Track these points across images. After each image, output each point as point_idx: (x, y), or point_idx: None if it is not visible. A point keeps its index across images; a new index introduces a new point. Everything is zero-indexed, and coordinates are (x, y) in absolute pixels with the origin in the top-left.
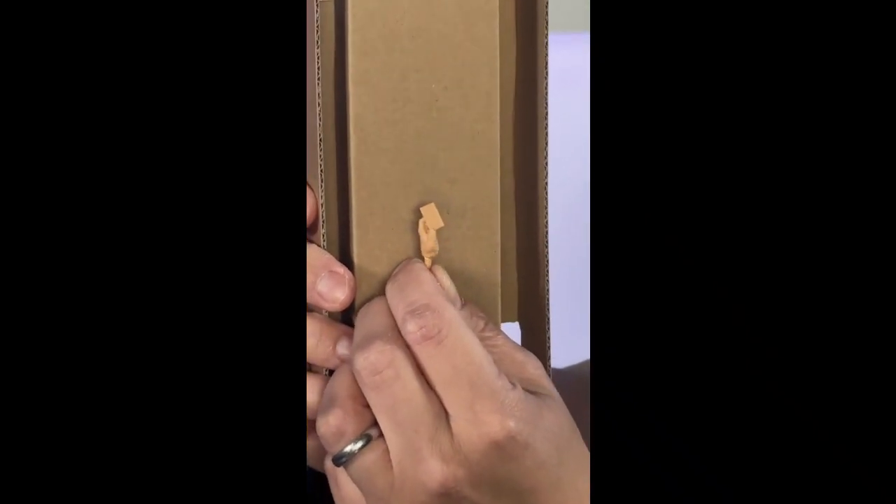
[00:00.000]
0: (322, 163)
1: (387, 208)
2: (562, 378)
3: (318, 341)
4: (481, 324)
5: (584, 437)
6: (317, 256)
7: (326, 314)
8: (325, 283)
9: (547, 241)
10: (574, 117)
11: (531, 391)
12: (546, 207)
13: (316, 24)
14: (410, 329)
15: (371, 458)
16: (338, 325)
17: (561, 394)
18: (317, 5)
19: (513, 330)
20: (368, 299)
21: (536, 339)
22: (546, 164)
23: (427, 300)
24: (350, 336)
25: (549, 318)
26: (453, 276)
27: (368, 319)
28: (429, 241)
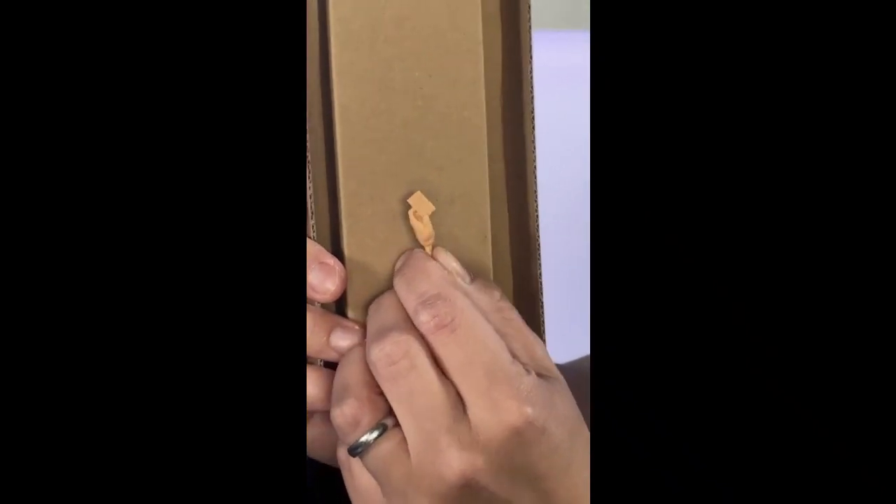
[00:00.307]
0: (310, 154)
1: (375, 198)
2: (563, 373)
3: (312, 332)
4: (496, 294)
5: None
6: (307, 248)
7: (319, 305)
8: (316, 275)
9: (538, 227)
10: (571, 114)
11: (541, 375)
12: (536, 193)
13: None
14: (423, 319)
15: (387, 447)
16: (331, 316)
17: None
18: None
19: None
20: (359, 289)
21: (532, 325)
22: (534, 150)
23: (437, 290)
24: (343, 326)
25: (542, 303)
26: None
27: (380, 314)
28: (424, 229)
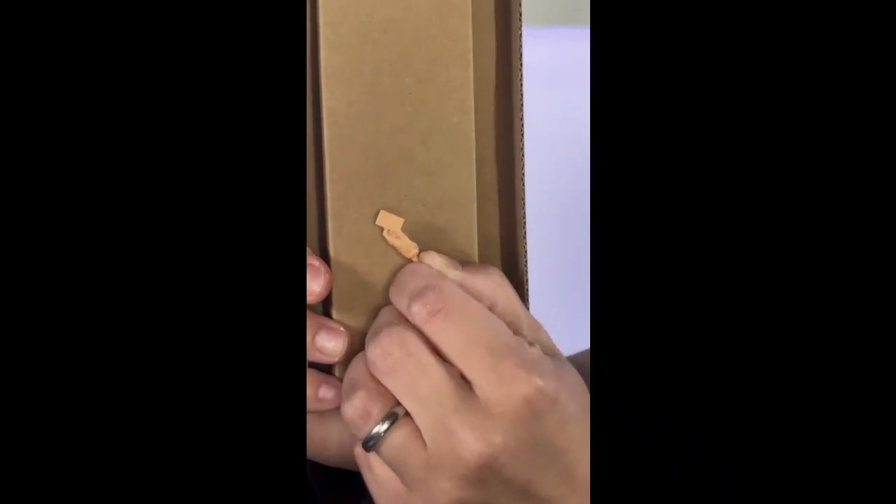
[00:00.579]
0: None
1: (363, 201)
2: None
3: None
4: (494, 275)
5: None
6: None
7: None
8: None
9: (525, 233)
10: (566, 111)
11: (546, 354)
12: (524, 199)
13: None
14: (415, 311)
15: (400, 435)
16: (316, 317)
17: None
18: None
19: None
20: (344, 291)
21: None
22: (523, 156)
23: (425, 282)
24: (328, 328)
25: (529, 306)
26: None
27: (377, 320)
28: (403, 245)
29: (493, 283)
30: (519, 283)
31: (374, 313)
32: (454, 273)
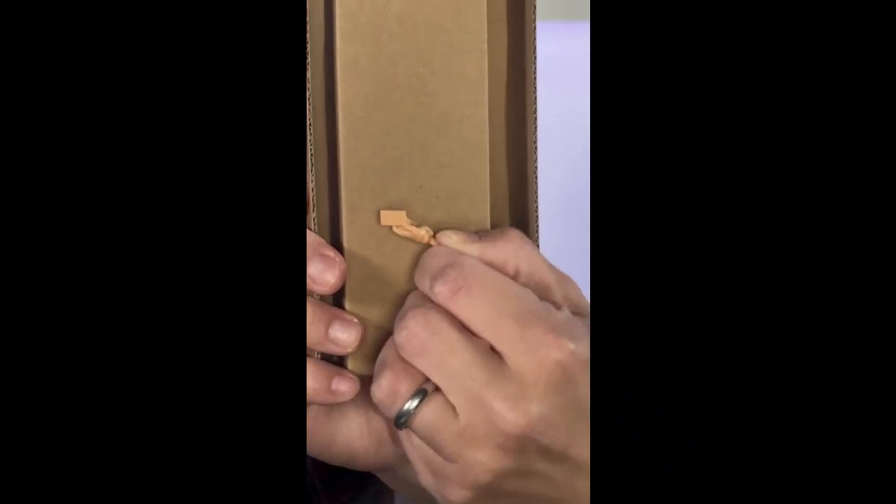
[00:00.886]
0: (312, 148)
1: (376, 192)
2: None
3: (311, 324)
4: (515, 238)
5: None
6: (308, 240)
7: (318, 297)
8: (316, 267)
9: (538, 227)
10: (569, 106)
11: (576, 314)
12: (536, 193)
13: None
14: (438, 290)
15: (431, 410)
16: (330, 309)
17: None
18: None
19: None
20: (359, 282)
21: None
22: (535, 150)
23: (445, 261)
24: (342, 319)
25: None
26: None
27: (404, 305)
28: (416, 233)
29: (514, 247)
30: None
31: (388, 305)
32: (472, 247)
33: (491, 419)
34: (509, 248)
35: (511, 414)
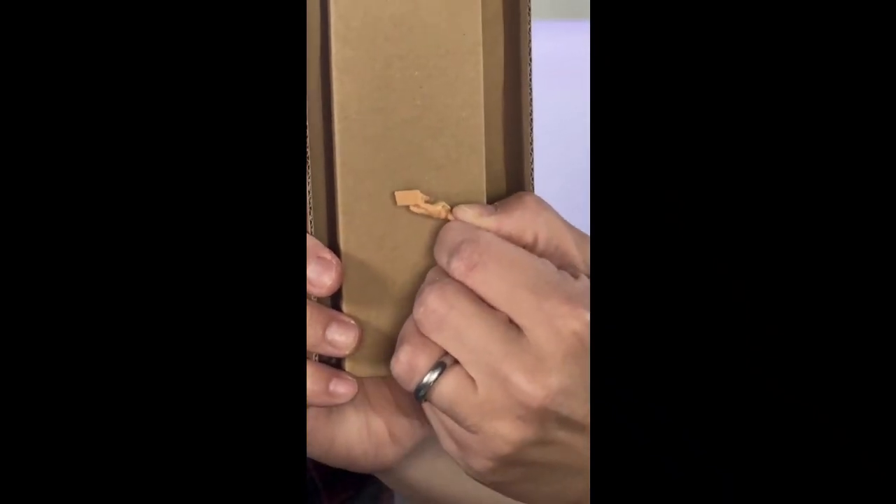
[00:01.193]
0: (308, 150)
1: (373, 195)
2: None
3: (308, 326)
4: (531, 204)
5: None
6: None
7: (315, 300)
8: (314, 269)
9: None
10: (567, 106)
11: None
12: (533, 192)
13: None
14: (454, 266)
15: (450, 382)
16: (327, 311)
17: None
18: None
19: None
20: (356, 284)
21: None
22: (532, 152)
23: (461, 237)
24: (340, 321)
25: None
26: None
27: (424, 282)
28: (432, 210)
29: (531, 213)
30: None
31: (385, 307)
32: (488, 220)
33: (510, 391)
34: (526, 216)
35: (530, 386)
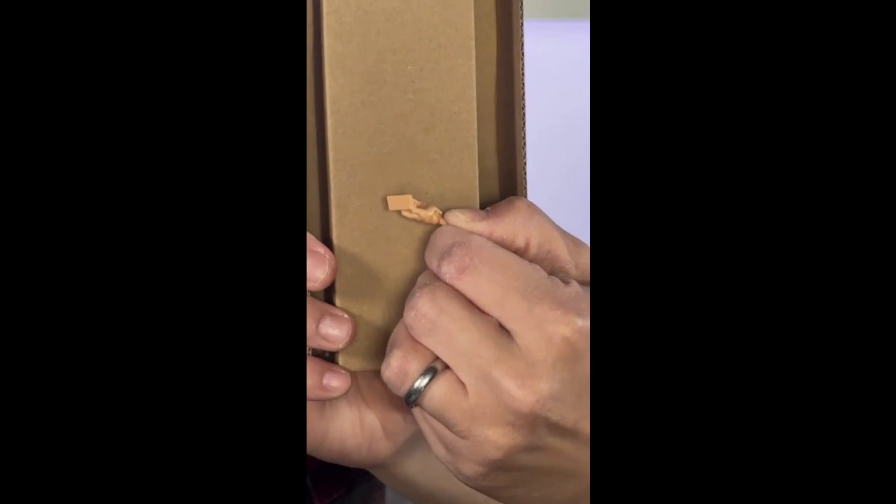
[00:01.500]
0: None
1: (365, 189)
2: None
3: None
4: (522, 209)
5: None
6: None
7: (309, 293)
8: (307, 263)
9: None
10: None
11: (587, 283)
12: (525, 188)
13: None
14: (445, 270)
15: (440, 387)
16: (321, 304)
17: None
18: None
19: None
20: (349, 278)
21: None
22: (524, 146)
23: (451, 240)
24: (333, 315)
25: None
26: None
27: (415, 285)
28: (424, 215)
29: (523, 218)
30: None
31: (378, 301)
32: (480, 225)
33: (500, 397)
34: (517, 221)
35: (520, 392)
